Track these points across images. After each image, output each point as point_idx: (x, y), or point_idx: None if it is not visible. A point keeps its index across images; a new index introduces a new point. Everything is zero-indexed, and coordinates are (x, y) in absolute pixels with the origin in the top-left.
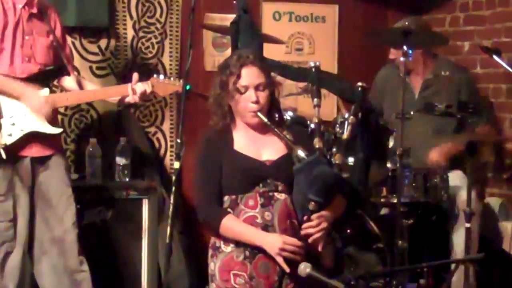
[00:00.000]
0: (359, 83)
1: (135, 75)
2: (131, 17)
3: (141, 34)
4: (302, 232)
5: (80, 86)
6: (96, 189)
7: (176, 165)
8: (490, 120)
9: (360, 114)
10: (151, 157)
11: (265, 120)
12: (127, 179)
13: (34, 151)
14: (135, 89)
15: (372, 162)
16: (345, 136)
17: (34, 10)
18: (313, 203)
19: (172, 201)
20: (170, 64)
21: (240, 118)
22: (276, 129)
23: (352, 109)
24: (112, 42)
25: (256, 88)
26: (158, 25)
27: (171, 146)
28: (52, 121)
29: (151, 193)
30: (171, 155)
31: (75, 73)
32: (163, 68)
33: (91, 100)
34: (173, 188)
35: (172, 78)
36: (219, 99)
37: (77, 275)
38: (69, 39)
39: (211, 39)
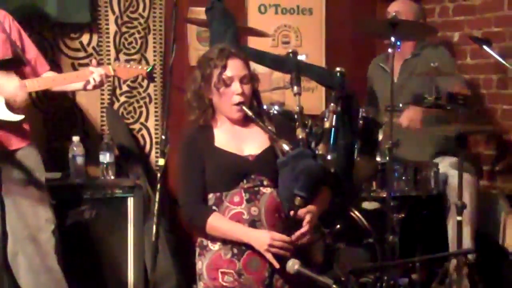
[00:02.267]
0: (338, 68)
1: (94, 60)
2: (114, 12)
3: (124, 29)
4: (294, 237)
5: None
6: (80, 188)
7: (161, 162)
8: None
9: (340, 101)
10: (135, 155)
11: (250, 113)
12: (111, 177)
13: None
14: (94, 72)
15: (362, 155)
16: (327, 125)
17: None
18: (299, 198)
19: (157, 198)
20: (154, 60)
21: (222, 112)
22: (259, 122)
23: (332, 96)
24: (95, 38)
25: (241, 80)
26: (141, 20)
27: (156, 143)
28: (13, 109)
29: (136, 191)
30: (156, 152)
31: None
32: (147, 63)
33: (51, 86)
34: (158, 186)
35: (133, 62)
36: (200, 92)
37: (54, 272)
38: (50, 36)
39: (195, 33)
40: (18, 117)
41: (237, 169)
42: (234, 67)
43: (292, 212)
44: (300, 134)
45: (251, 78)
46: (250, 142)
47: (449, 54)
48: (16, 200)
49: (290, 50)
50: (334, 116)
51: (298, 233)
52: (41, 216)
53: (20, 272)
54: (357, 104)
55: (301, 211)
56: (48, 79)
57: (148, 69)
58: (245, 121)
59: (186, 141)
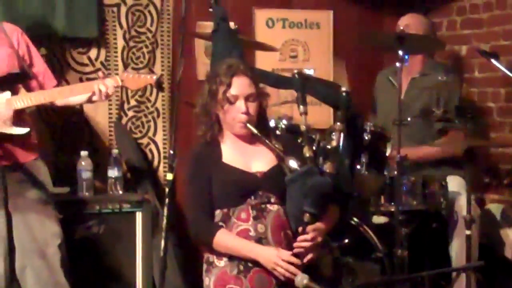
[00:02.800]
0: (343, 88)
1: (100, 73)
2: (121, 27)
3: (131, 43)
4: (295, 247)
5: None
6: (88, 203)
7: (169, 176)
8: (466, 126)
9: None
10: (144, 169)
11: (255, 131)
12: (119, 192)
13: (4, 159)
14: (102, 84)
15: (369, 170)
16: (333, 143)
17: None
18: (308, 214)
19: (165, 213)
20: (162, 74)
21: (228, 128)
22: (266, 140)
23: (339, 116)
24: (102, 52)
25: (246, 98)
26: (149, 34)
27: (164, 158)
28: (18, 122)
29: (145, 205)
30: (164, 167)
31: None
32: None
33: (57, 99)
34: (167, 200)
35: (142, 72)
36: (207, 108)
37: (61, 287)
38: (58, 50)
39: (203, 47)
40: (24, 130)
41: (245, 185)
42: (239, 85)
43: (300, 229)
44: (307, 152)
45: (258, 96)
46: (258, 159)
47: (459, 83)
48: (23, 214)
49: (296, 71)
50: (341, 135)
51: (298, 244)
52: (48, 230)
53: (28, 286)
54: (362, 123)
55: (308, 228)
56: (53, 91)
57: (156, 77)
58: (251, 138)
59: (193, 158)
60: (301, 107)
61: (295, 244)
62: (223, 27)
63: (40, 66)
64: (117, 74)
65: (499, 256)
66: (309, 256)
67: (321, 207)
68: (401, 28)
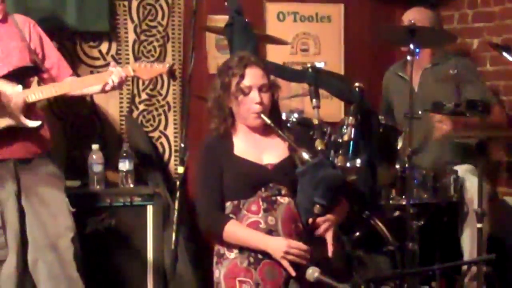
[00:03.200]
0: (357, 84)
1: (112, 62)
2: (132, 21)
3: (142, 37)
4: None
5: None
6: (99, 196)
7: (180, 170)
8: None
9: (359, 116)
10: (155, 163)
11: (269, 121)
12: (131, 185)
13: (17, 152)
14: (115, 73)
15: (381, 163)
16: (345, 138)
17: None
18: (318, 206)
19: (176, 206)
20: (174, 63)
21: (241, 120)
22: (279, 131)
23: (351, 110)
24: (114, 46)
25: (260, 89)
26: (160, 28)
27: (175, 151)
28: (30, 116)
29: (156, 199)
30: (175, 160)
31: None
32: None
33: (68, 91)
34: (178, 194)
35: (155, 62)
36: (220, 101)
37: (74, 280)
38: (69, 44)
39: (214, 41)
40: (36, 123)
41: (256, 178)
42: (252, 76)
43: (310, 220)
44: (320, 145)
45: (271, 87)
46: (269, 151)
47: (473, 64)
48: (36, 208)
49: (309, 65)
50: (353, 129)
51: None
52: (61, 224)
53: (40, 280)
54: (377, 119)
55: (319, 220)
56: (64, 84)
57: (168, 66)
58: (264, 130)
59: (205, 150)
60: (314, 100)
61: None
62: (238, 20)
63: (54, 57)
64: (127, 63)
65: (510, 249)
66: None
67: (332, 198)
68: (405, 23)
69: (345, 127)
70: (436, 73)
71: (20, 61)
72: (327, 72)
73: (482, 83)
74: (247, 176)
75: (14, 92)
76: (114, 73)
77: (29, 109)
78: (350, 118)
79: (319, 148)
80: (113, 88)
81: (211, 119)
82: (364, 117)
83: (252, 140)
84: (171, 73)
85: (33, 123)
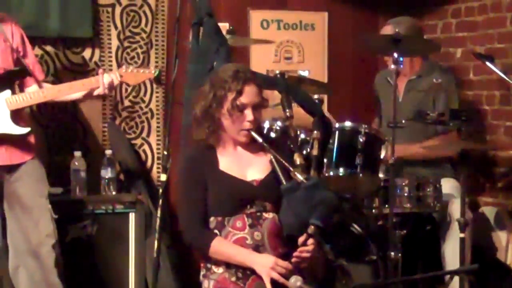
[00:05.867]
0: (316, 96)
1: (101, 69)
2: (116, 27)
3: (126, 44)
4: (295, 257)
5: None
6: (81, 203)
7: (163, 177)
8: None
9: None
10: (137, 170)
11: (260, 140)
12: (113, 193)
13: (2, 158)
14: (103, 79)
15: (364, 172)
16: (315, 152)
17: None
18: (313, 227)
19: (159, 214)
20: (157, 67)
21: (229, 134)
22: (270, 150)
23: (314, 123)
24: (97, 52)
25: (254, 107)
26: (144, 35)
27: (158, 158)
28: (19, 122)
29: (138, 206)
30: (158, 168)
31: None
32: (149, 78)
33: (56, 97)
34: (160, 201)
35: (142, 67)
36: (211, 112)
37: (54, 287)
38: (52, 50)
39: None
40: (24, 130)
41: (243, 195)
42: (249, 94)
43: (302, 239)
44: (298, 159)
45: (263, 104)
46: (253, 167)
47: (455, 78)
48: (18, 214)
49: (277, 71)
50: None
51: (298, 254)
52: (42, 231)
53: (21, 286)
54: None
55: (309, 241)
56: (53, 89)
57: (156, 73)
58: (248, 145)
59: (188, 163)
60: (287, 110)
61: (295, 254)
62: (210, 22)
63: (31, 58)
64: (110, 69)
65: (492, 259)
66: (304, 265)
67: (328, 221)
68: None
69: (311, 141)
70: (420, 84)
71: (3, 64)
72: (295, 82)
73: (456, 98)
74: (234, 193)
75: (1, 98)
76: (104, 79)
77: (17, 115)
78: (315, 132)
79: (298, 163)
80: (102, 94)
81: (198, 128)
82: (325, 130)
83: (235, 155)
84: (157, 79)
85: (21, 130)
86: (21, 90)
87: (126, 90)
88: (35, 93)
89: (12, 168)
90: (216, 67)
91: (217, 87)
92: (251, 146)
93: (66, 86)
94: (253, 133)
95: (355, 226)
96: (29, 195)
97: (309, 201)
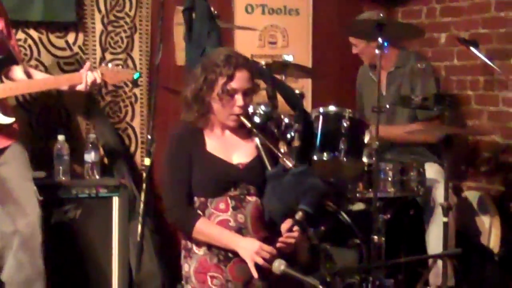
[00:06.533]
0: (297, 91)
1: (88, 64)
2: (100, 11)
3: (110, 28)
4: (281, 242)
5: (29, 76)
6: (64, 187)
7: (147, 161)
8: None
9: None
10: (121, 154)
11: (249, 125)
12: (96, 177)
13: None
14: (86, 77)
15: (348, 156)
16: (296, 143)
17: None
18: (300, 213)
19: (142, 198)
20: (140, 59)
21: (218, 117)
22: (259, 134)
23: (295, 117)
24: (80, 36)
25: (244, 92)
26: (128, 19)
27: (142, 143)
28: (3, 110)
29: (121, 190)
30: (141, 152)
31: (24, 63)
32: (133, 63)
33: (41, 89)
34: (144, 185)
35: (122, 67)
36: (201, 94)
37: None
38: (35, 34)
39: (182, 33)
40: (9, 120)
41: (228, 177)
42: (241, 80)
43: (287, 225)
44: (282, 147)
45: (254, 90)
46: (239, 150)
47: (433, 73)
48: (3, 198)
49: (263, 62)
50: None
51: (283, 239)
52: (29, 213)
53: (6, 269)
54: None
55: (296, 228)
56: (39, 82)
57: (135, 75)
58: (235, 129)
59: (175, 141)
60: (273, 101)
61: (281, 239)
62: (202, 6)
63: (13, 41)
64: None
65: (475, 243)
66: (288, 250)
67: (317, 207)
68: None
69: (293, 134)
70: (400, 76)
71: None
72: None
73: (433, 84)
74: (219, 175)
75: None
76: (87, 77)
77: (2, 104)
78: (296, 125)
79: (283, 151)
80: (83, 90)
81: (187, 110)
82: (306, 122)
83: (222, 138)
84: (135, 81)
85: (6, 119)
86: (6, 76)
87: None
88: (22, 84)
89: None
90: (207, 52)
91: (208, 71)
92: (239, 130)
93: (51, 80)
94: (243, 118)
95: (343, 214)
96: (14, 179)
97: (297, 187)
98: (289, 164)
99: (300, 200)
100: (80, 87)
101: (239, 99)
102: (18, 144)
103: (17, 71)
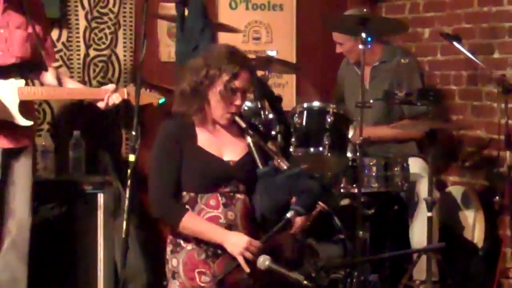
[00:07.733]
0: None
1: (112, 86)
2: (83, 7)
3: (94, 24)
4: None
5: (60, 82)
6: (49, 184)
7: (132, 158)
8: (418, 115)
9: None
10: (106, 151)
11: (244, 125)
12: (81, 173)
13: (6, 142)
14: (108, 98)
15: (332, 152)
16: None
17: (10, 3)
18: (293, 212)
19: (127, 195)
20: (125, 55)
21: (213, 113)
22: (255, 135)
23: (274, 120)
24: (64, 33)
25: (243, 92)
26: (111, 16)
27: (127, 139)
28: (25, 113)
29: (106, 187)
30: (126, 148)
31: (55, 69)
32: (117, 59)
33: (65, 98)
34: (129, 182)
35: (149, 90)
36: (201, 88)
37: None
38: None
39: (166, 29)
40: (28, 123)
41: (219, 174)
42: (244, 79)
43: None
44: (271, 146)
45: (250, 90)
46: (230, 147)
47: (418, 68)
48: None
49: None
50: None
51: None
52: (23, 214)
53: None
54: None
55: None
56: (64, 91)
57: (160, 101)
58: (227, 126)
59: (166, 134)
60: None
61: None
62: (196, 2)
63: (49, 43)
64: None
65: (459, 238)
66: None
67: (310, 209)
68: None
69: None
70: (384, 71)
71: (22, 53)
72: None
73: (418, 79)
74: (211, 171)
75: (14, 87)
76: (110, 99)
77: (25, 106)
78: (278, 126)
79: (273, 149)
80: (106, 107)
81: (182, 102)
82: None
83: (215, 133)
84: (159, 105)
85: (25, 122)
86: (37, 78)
87: (94, 70)
88: (47, 90)
89: (15, 152)
90: (201, 49)
91: (212, 66)
92: (229, 127)
93: (76, 92)
94: (237, 118)
95: (336, 219)
96: (22, 180)
97: (291, 188)
98: (284, 165)
99: (294, 200)
100: (100, 105)
101: (238, 98)
102: (31, 148)
103: (48, 76)
